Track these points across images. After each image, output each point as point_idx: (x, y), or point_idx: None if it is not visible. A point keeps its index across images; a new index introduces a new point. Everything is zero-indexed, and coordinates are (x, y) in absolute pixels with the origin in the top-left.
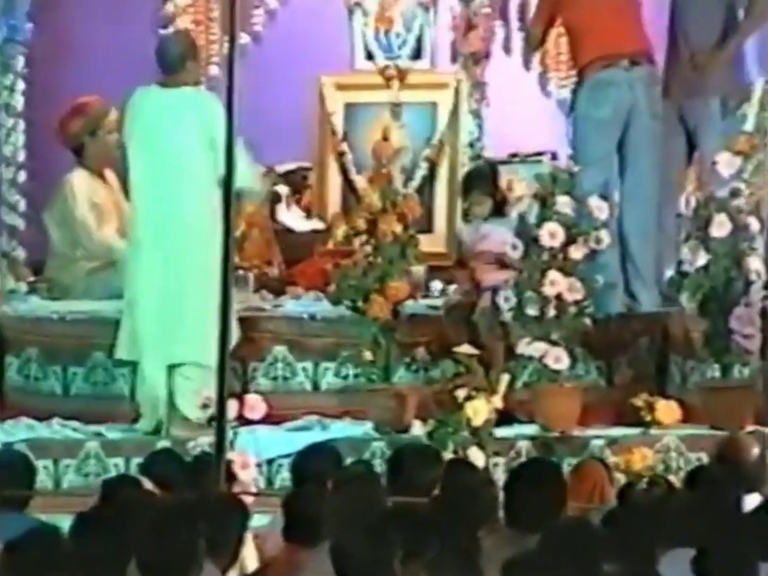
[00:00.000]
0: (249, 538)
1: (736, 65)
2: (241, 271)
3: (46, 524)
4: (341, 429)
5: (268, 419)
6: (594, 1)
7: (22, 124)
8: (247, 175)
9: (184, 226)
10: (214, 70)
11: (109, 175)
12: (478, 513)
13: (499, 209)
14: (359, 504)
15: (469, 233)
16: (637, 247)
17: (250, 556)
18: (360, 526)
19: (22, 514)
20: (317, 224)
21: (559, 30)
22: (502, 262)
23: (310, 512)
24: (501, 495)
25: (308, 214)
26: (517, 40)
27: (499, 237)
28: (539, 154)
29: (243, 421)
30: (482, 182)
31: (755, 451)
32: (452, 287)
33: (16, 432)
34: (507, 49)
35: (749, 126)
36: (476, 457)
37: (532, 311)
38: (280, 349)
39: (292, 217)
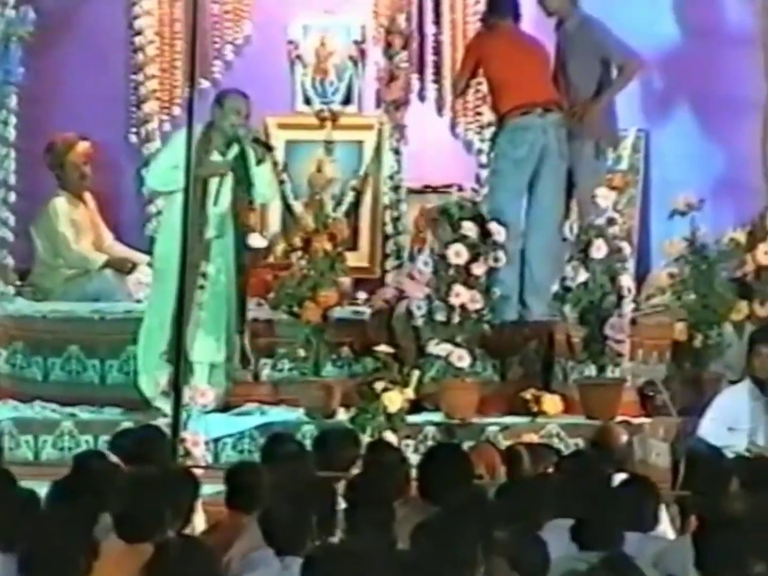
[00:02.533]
0: (199, 504)
1: (608, 114)
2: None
3: (22, 488)
4: (277, 414)
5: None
6: (512, 58)
7: (13, 153)
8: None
9: None
10: (176, 110)
11: (88, 197)
12: (394, 486)
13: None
14: (290, 477)
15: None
16: (537, 265)
17: (199, 521)
18: (290, 497)
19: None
20: (261, 241)
21: (467, 82)
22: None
23: (249, 483)
24: (413, 471)
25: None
26: (431, 90)
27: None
28: (448, 185)
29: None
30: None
31: (623, 437)
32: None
33: (4, 411)
34: (422, 97)
35: (624, 165)
36: (390, 439)
37: (440, 317)
38: None
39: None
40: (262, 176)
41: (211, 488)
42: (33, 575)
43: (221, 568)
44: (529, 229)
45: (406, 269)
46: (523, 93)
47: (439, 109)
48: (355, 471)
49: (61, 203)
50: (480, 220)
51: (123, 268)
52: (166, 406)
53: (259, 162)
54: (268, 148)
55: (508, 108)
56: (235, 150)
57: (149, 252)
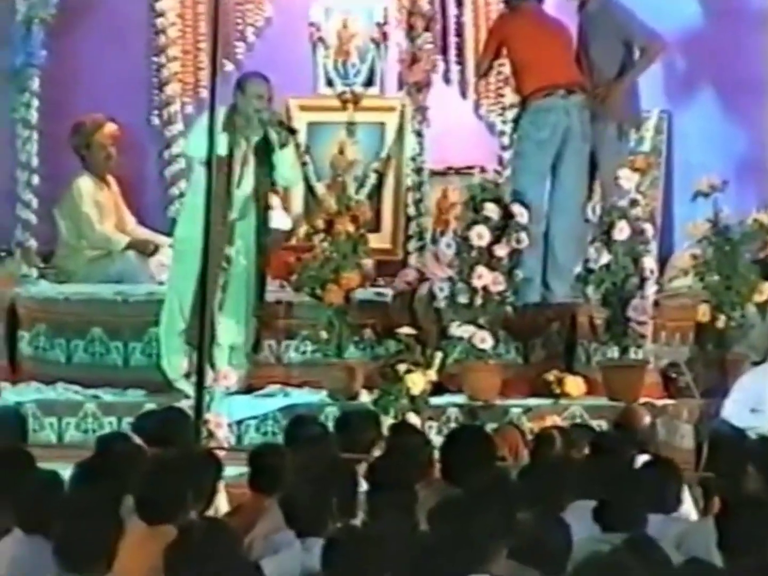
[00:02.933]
0: (221, 486)
1: (630, 96)
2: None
3: (45, 470)
4: (300, 396)
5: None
6: (535, 39)
7: (35, 135)
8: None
9: None
10: (199, 93)
11: (111, 180)
12: (417, 468)
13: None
14: (313, 459)
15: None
16: (560, 247)
17: (222, 502)
18: (310, 479)
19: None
20: (285, 222)
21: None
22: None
23: (272, 465)
24: (435, 453)
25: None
26: (455, 72)
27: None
28: (470, 167)
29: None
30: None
31: (646, 419)
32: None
33: (27, 394)
34: (447, 79)
35: (646, 147)
36: (413, 421)
37: (462, 299)
38: None
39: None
40: (285, 160)
41: (234, 470)
42: (66, 557)
43: (244, 549)
44: (552, 211)
45: (429, 251)
46: (545, 74)
47: (462, 91)
48: (377, 453)
49: (85, 184)
50: (502, 202)
51: (146, 249)
52: (188, 388)
53: (282, 146)
54: (291, 131)
55: (530, 90)
56: (258, 134)
57: (171, 234)
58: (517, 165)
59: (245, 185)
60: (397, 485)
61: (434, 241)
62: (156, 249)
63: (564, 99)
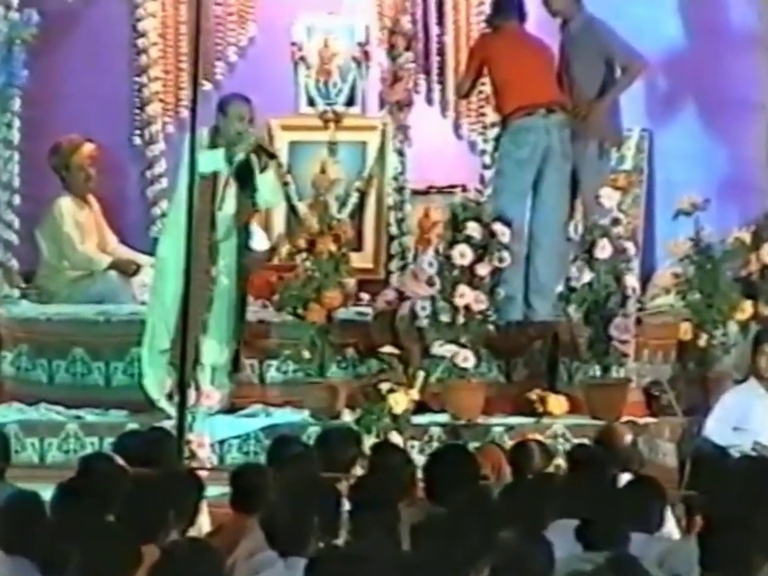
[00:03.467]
0: (204, 506)
1: (611, 114)
2: None
3: (26, 491)
4: (283, 416)
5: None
6: (515, 59)
7: (17, 156)
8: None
9: None
10: (180, 112)
11: (92, 199)
12: (399, 488)
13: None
14: (295, 479)
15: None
16: (542, 266)
17: (204, 522)
18: (292, 499)
19: (3, 483)
20: (264, 243)
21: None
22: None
23: (254, 485)
24: (418, 472)
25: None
26: (436, 91)
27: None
28: (452, 186)
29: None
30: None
31: (627, 437)
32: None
33: (9, 414)
34: (429, 99)
35: (628, 165)
36: (396, 440)
37: (444, 318)
38: None
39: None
40: (267, 183)
41: (217, 490)
42: None
43: (227, 569)
44: (534, 230)
45: (408, 270)
46: (526, 94)
47: (443, 110)
48: (358, 471)
49: (66, 204)
50: (484, 221)
51: (127, 270)
52: (170, 407)
53: (263, 169)
54: (272, 156)
55: (511, 109)
56: (240, 155)
57: (153, 254)
58: (498, 184)
59: (227, 206)
60: (379, 504)
61: (416, 260)
62: (138, 269)
63: (544, 118)
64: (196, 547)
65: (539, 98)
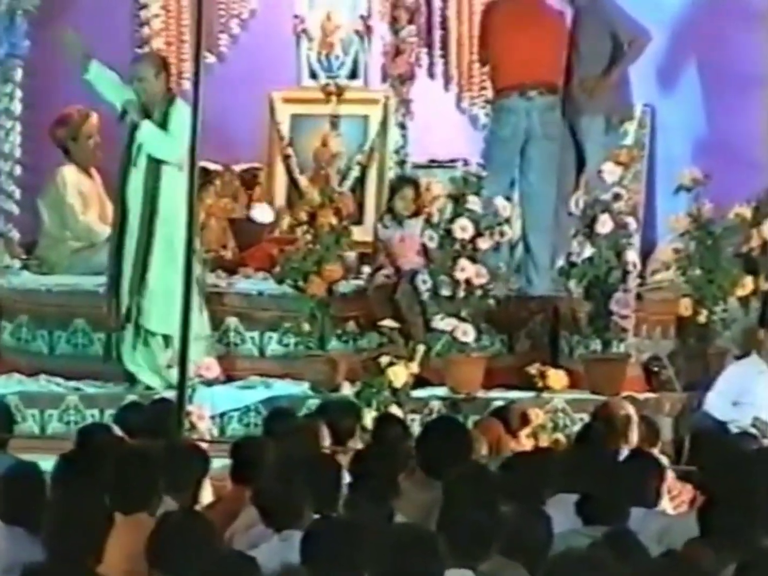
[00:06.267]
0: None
1: (619, 89)
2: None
3: (26, 462)
4: (283, 388)
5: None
6: (512, 34)
7: (18, 126)
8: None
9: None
10: (185, 84)
11: (94, 171)
12: (399, 460)
13: (417, 210)
14: (293, 451)
15: (392, 227)
16: (533, 240)
17: (206, 494)
18: (285, 472)
19: (4, 454)
20: (267, 215)
21: (473, 56)
22: (419, 251)
23: (253, 457)
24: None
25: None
26: (439, 65)
27: (419, 229)
28: (453, 160)
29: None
30: (408, 185)
31: (624, 411)
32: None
33: (9, 386)
34: (432, 74)
35: (629, 141)
36: (396, 413)
37: (445, 292)
38: (232, 320)
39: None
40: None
41: (217, 462)
42: (53, 549)
43: (222, 540)
44: (523, 208)
45: (397, 236)
46: (512, 74)
47: (446, 84)
48: (358, 444)
49: (69, 173)
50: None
51: None
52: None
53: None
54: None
55: (498, 88)
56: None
57: None
58: (485, 159)
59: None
60: (379, 476)
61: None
62: None
63: (527, 101)
64: (190, 518)
65: (526, 78)
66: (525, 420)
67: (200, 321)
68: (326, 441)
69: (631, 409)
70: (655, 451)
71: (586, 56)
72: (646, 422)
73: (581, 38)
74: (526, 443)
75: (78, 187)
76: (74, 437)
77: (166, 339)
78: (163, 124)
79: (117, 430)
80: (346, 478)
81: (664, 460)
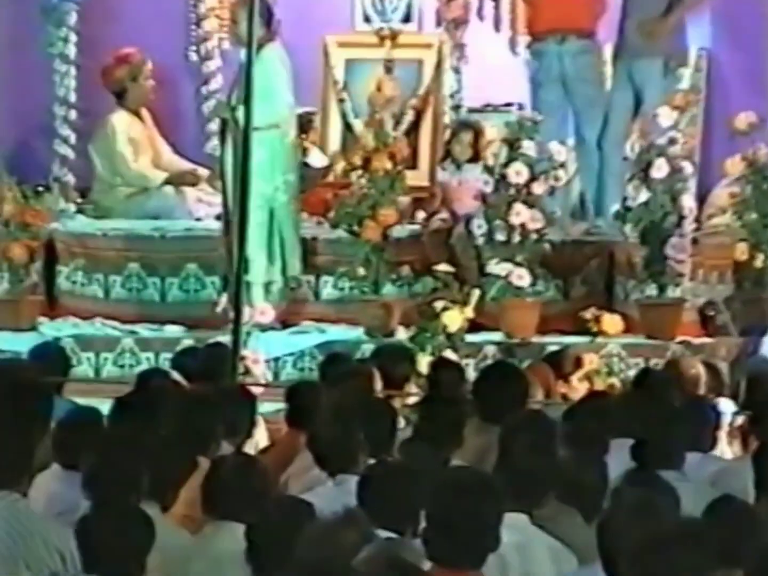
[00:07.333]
0: (261, 422)
1: (677, 32)
2: None
3: (83, 406)
4: (338, 333)
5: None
6: None
7: (73, 70)
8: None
9: None
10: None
11: (145, 114)
12: (459, 407)
13: (476, 155)
14: (348, 396)
15: (450, 171)
16: (585, 184)
17: (261, 437)
18: (340, 416)
19: (61, 398)
20: (321, 160)
21: None
22: (476, 195)
23: (308, 402)
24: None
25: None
26: (489, 8)
27: (476, 174)
28: (508, 104)
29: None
30: (467, 130)
31: (693, 370)
32: (438, 215)
33: (65, 329)
34: (480, 16)
35: (685, 84)
36: (451, 358)
37: (500, 237)
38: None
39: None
40: None
41: (272, 406)
42: (97, 492)
43: (275, 484)
44: (576, 152)
45: (454, 178)
46: (544, 18)
47: (496, 27)
48: (413, 388)
49: (119, 121)
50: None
51: (186, 181)
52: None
53: None
54: None
55: (533, 32)
56: None
57: (210, 168)
58: (534, 104)
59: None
60: (441, 422)
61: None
62: (197, 180)
63: (559, 44)
64: (243, 462)
65: (559, 23)
66: (578, 364)
67: (267, 268)
68: (378, 386)
69: (701, 368)
70: (720, 399)
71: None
72: (709, 369)
73: None
74: (578, 387)
75: (128, 133)
76: (130, 381)
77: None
78: None
79: (175, 375)
80: (401, 422)
81: (731, 406)
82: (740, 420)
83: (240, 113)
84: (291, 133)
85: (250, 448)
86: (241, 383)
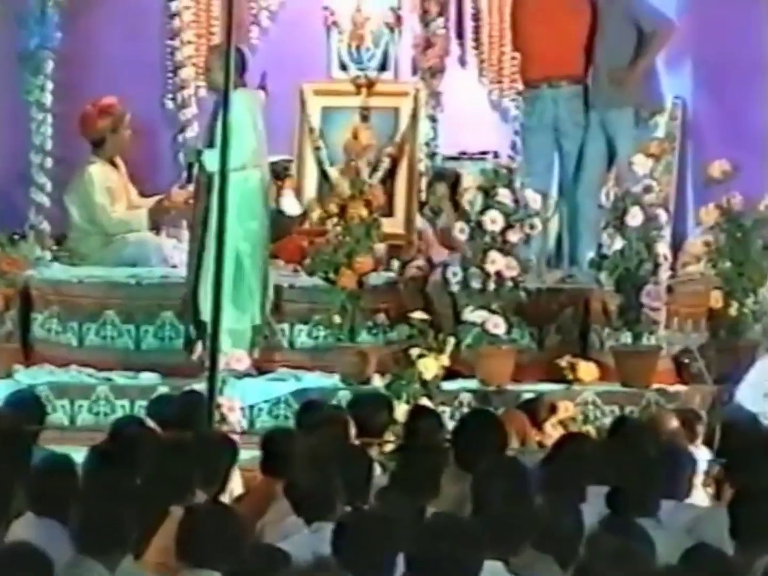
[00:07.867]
0: (236, 470)
1: (648, 81)
2: None
3: (58, 454)
4: (313, 380)
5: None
6: (533, 33)
7: (50, 118)
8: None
9: None
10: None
11: (119, 161)
12: (437, 454)
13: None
14: (324, 444)
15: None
16: (570, 232)
17: (236, 486)
18: (316, 464)
19: (36, 446)
20: (296, 208)
21: (503, 48)
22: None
23: (283, 450)
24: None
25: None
26: (471, 56)
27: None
28: (484, 153)
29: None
30: (441, 181)
31: (673, 424)
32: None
33: (40, 376)
34: (463, 62)
35: (660, 133)
36: (428, 405)
37: (475, 284)
38: None
39: (284, 202)
40: None
41: (247, 454)
42: (84, 543)
43: (250, 532)
44: (561, 199)
45: (428, 230)
46: (538, 66)
47: (479, 76)
48: (390, 436)
49: (96, 172)
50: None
51: (162, 209)
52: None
53: None
54: None
55: (526, 79)
56: None
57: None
58: (521, 151)
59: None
60: (417, 470)
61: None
62: (173, 204)
63: (553, 90)
64: (217, 510)
65: (552, 71)
66: (553, 411)
67: (236, 317)
68: (353, 433)
69: (675, 423)
70: (694, 446)
71: (612, 47)
72: (684, 417)
73: (607, 28)
74: (553, 434)
75: (105, 183)
76: (105, 428)
77: None
78: None
79: (149, 423)
80: (378, 470)
81: (706, 454)
82: (715, 468)
83: (205, 157)
84: (254, 178)
85: (224, 496)
86: (221, 431)
